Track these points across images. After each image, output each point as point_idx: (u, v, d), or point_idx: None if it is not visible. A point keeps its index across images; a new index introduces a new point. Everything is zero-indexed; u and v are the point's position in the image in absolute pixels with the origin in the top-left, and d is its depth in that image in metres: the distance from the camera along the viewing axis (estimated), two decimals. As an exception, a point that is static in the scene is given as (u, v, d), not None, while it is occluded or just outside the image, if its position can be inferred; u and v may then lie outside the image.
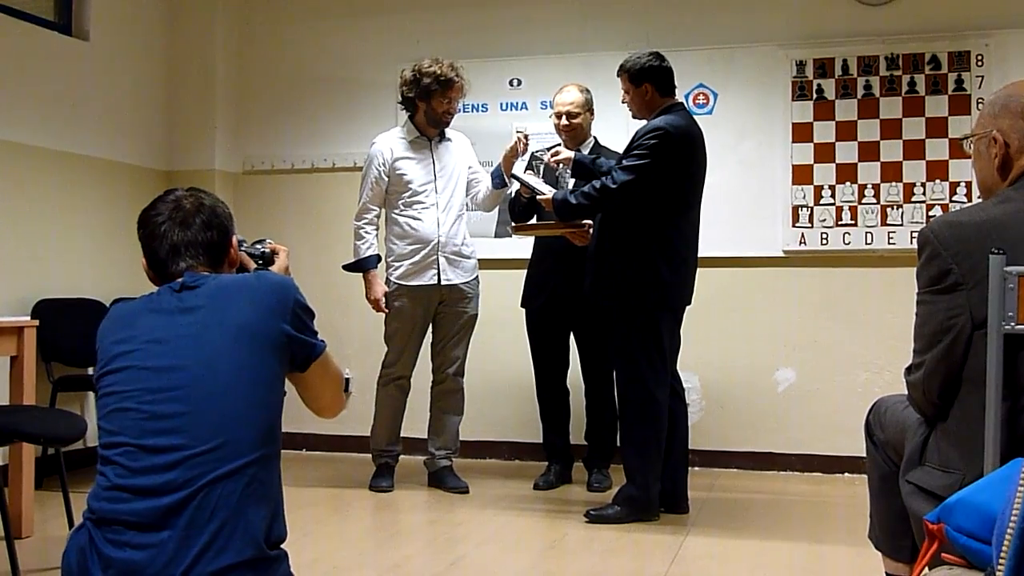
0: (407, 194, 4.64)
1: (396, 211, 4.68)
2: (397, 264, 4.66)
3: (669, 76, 4.12)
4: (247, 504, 1.77)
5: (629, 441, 4.09)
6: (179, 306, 1.91)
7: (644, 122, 4.14)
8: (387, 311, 4.67)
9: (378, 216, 4.73)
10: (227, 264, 2.08)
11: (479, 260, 4.89)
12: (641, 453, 4.02)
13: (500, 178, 4.70)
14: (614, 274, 4.03)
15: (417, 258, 4.62)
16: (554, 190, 4.27)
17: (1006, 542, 1.36)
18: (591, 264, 4.16)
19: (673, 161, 3.95)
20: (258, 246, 2.30)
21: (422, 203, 4.64)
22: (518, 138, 4.57)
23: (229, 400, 1.82)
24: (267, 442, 1.85)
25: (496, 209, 5.30)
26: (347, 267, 4.70)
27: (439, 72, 4.57)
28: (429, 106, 4.63)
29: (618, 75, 4.17)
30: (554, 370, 4.81)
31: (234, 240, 2.10)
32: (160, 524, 1.73)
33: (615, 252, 4.03)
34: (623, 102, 4.22)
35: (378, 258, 4.69)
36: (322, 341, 2.01)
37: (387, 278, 4.70)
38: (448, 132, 4.80)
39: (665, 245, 4.00)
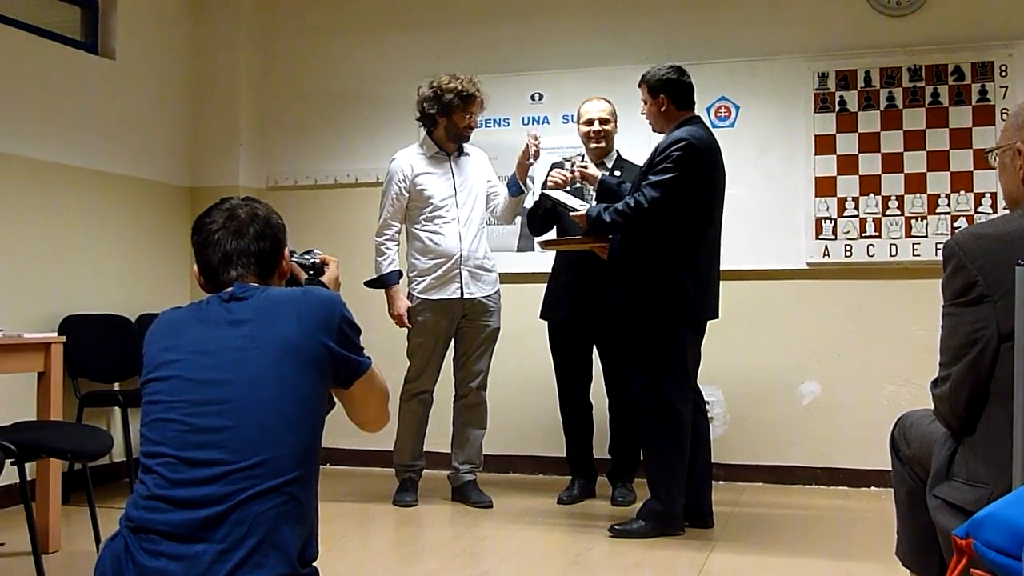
0: (428, 209, 4.66)
1: (417, 226, 4.69)
2: (420, 279, 4.67)
3: (688, 91, 4.12)
4: (284, 522, 1.78)
5: (653, 455, 4.08)
6: (227, 318, 1.92)
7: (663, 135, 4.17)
8: (410, 326, 4.68)
9: (399, 232, 4.75)
10: (277, 275, 2.08)
11: (501, 274, 4.90)
12: (665, 467, 4.01)
13: (516, 186, 4.71)
14: (638, 287, 4.03)
15: (440, 272, 4.63)
16: (586, 204, 4.26)
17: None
18: (614, 277, 4.15)
19: (698, 173, 3.95)
20: (307, 257, 2.30)
21: (443, 218, 4.66)
22: (528, 142, 4.58)
23: (271, 418, 1.82)
24: (306, 461, 1.86)
25: (518, 223, 5.31)
26: (369, 283, 4.71)
27: (461, 88, 4.59)
28: (451, 121, 4.65)
29: (639, 85, 4.18)
30: (577, 384, 4.80)
31: (286, 252, 2.11)
32: (196, 537, 1.74)
33: (638, 265, 4.03)
34: (642, 113, 4.22)
35: (399, 274, 4.71)
36: (368, 358, 2.02)
37: (409, 293, 4.71)
38: (466, 147, 4.81)
39: (688, 258, 4.00)
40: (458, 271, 4.64)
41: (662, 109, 4.08)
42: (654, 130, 4.23)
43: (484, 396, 4.81)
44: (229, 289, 1.97)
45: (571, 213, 4.26)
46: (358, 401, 2.05)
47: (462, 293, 4.65)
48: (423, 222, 4.67)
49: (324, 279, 2.29)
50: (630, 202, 3.95)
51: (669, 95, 4.07)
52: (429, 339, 4.69)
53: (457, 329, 4.75)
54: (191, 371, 1.87)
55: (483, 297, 4.72)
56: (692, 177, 3.93)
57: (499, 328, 4.81)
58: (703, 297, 4.06)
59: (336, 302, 1.98)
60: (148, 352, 1.96)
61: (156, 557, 1.74)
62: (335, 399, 2.05)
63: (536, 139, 4.59)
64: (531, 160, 4.62)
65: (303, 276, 2.25)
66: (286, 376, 1.86)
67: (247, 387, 1.84)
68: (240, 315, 1.92)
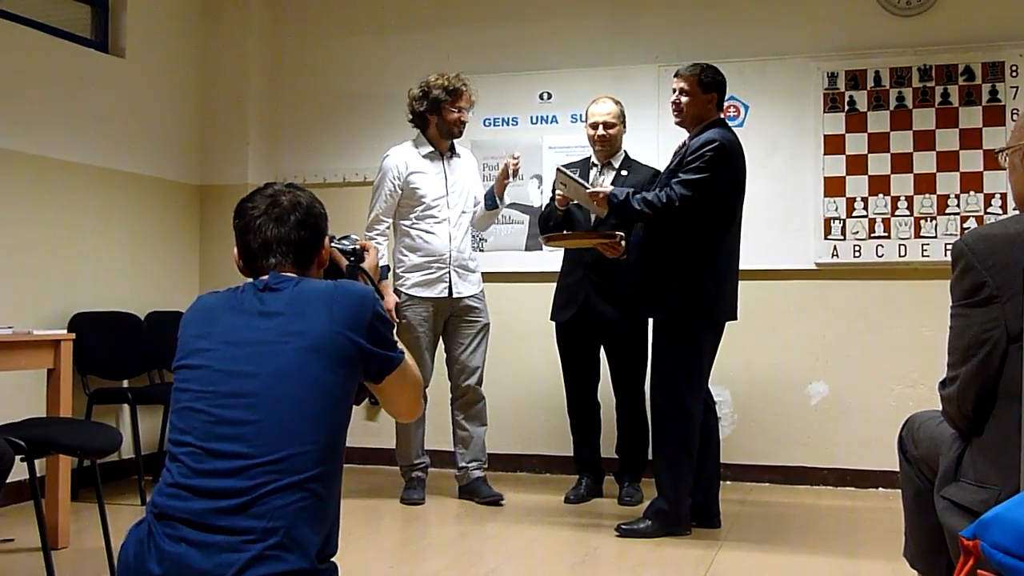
0: (420, 208, 4.70)
1: (407, 223, 4.73)
2: (408, 276, 4.70)
3: (725, 94, 4.18)
4: (303, 518, 1.79)
5: (661, 455, 4.07)
6: (260, 309, 1.93)
7: (678, 130, 4.21)
8: (398, 321, 4.69)
9: (389, 228, 4.78)
10: (316, 264, 2.08)
11: (508, 273, 4.92)
12: (673, 467, 4.01)
13: (492, 200, 4.77)
14: (659, 287, 4.02)
15: (429, 270, 4.68)
16: (608, 187, 4.16)
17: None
18: (634, 275, 4.14)
19: (728, 175, 3.98)
20: (346, 242, 2.28)
21: (435, 217, 4.70)
22: (508, 162, 4.63)
23: (296, 414, 1.83)
24: (329, 459, 1.86)
25: (527, 222, 5.33)
26: None
27: (446, 83, 4.66)
28: (441, 118, 4.70)
29: (683, 75, 4.11)
30: (584, 383, 4.80)
31: (326, 241, 2.10)
32: (216, 527, 1.76)
33: (660, 264, 4.02)
34: (675, 103, 4.13)
35: (388, 269, 4.74)
36: (400, 352, 2.02)
37: (396, 289, 4.72)
38: (458, 148, 4.87)
39: (710, 258, 4.01)
40: (447, 270, 4.69)
41: (708, 105, 4.09)
42: (681, 123, 4.17)
43: (482, 392, 4.81)
44: (264, 278, 1.98)
45: (587, 190, 4.14)
46: (390, 394, 2.06)
47: (450, 292, 4.69)
48: (414, 220, 4.71)
49: (364, 266, 2.27)
50: (661, 196, 3.93)
51: (718, 95, 4.11)
52: (419, 336, 4.68)
53: (446, 329, 4.78)
54: (221, 362, 1.89)
55: (469, 296, 4.76)
56: (722, 179, 3.95)
57: (489, 323, 4.83)
58: (723, 298, 4.06)
59: (369, 298, 1.97)
60: (183, 337, 1.98)
61: (177, 543, 1.77)
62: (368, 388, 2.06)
63: (516, 159, 4.64)
64: (509, 180, 4.67)
65: (344, 262, 2.24)
66: (312, 372, 1.86)
67: (273, 382, 1.85)
68: (272, 307, 1.92)
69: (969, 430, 2.11)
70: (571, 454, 4.92)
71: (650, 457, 4.80)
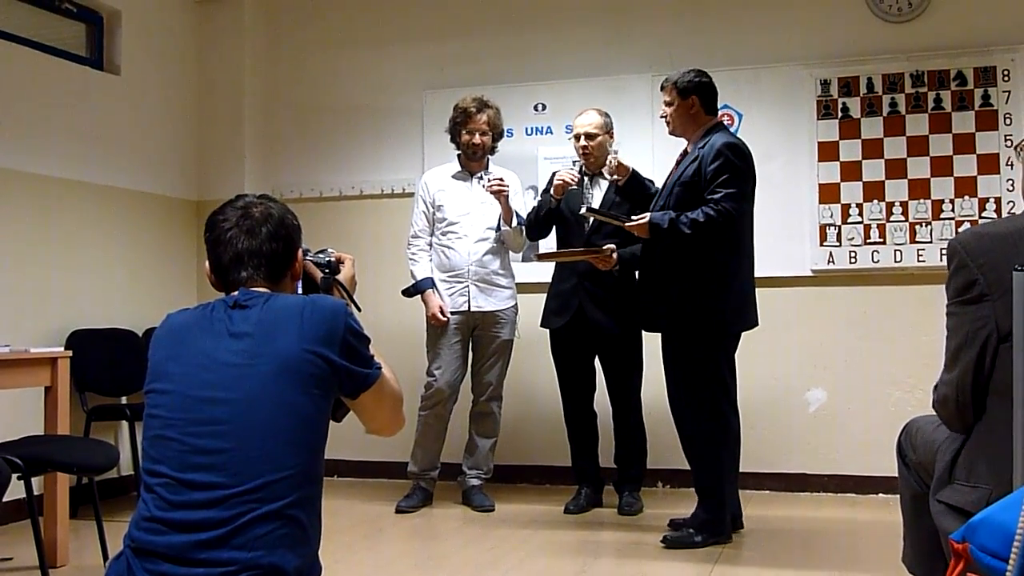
0: (443, 224, 4.86)
1: (436, 239, 4.90)
2: (439, 288, 4.84)
3: (714, 94, 4.13)
4: (284, 545, 1.75)
5: (704, 465, 4.03)
6: (229, 329, 1.87)
7: (672, 140, 4.20)
8: (444, 319, 4.76)
9: (429, 243, 4.91)
10: (290, 277, 2.03)
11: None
12: (718, 477, 4.00)
13: (496, 230, 4.87)
14: (690, 299, 3.96)
15: (450, 285, 4.82)
16: (647, 214, 4.03)
17: (1012, 554, 1.34)
18: (654, 289, 4.08)
19: (751, 175, 4.00)
20: (321, 256, 2.23)
21: (456, 233, 4.84)
22: (489, 189, 4.73)
23: (270, 440, 1.79)
24: (307, 483, 1.82)
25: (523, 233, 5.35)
26: (405, 291, 4.86)
27: (462, 105, 4.82)
28: (459, 140, 4.85)
29: (661, 89, 4.14)
30: (581, 392, 4.80)
31: (299, 253, 2.06)
32: (196, 560, 1.72)
33: (690, 277, 3.96)
34: (662, 116, 4.16)
35: (431, 281, 4.84)
36: (376, 368, 1.96)
37: None
38: (497, 168, 4.96)
39: (744, 264, 4.03)
40: (466, 284, 4.80)
41: (691, 111, 4.06)
42: (673, 133, 4.17)
43: (493, 407, 4.92)
44: (235, 294, 1.93)
45: (626, 224, 4.07)
46: (367, 409, 2.00)
47: (469, 306, 4.80)
48: (439, 236, 4.89)
49: (340, 278, 2.22)
50: (710, 212, 3.86)
51: (700, 97, 4.07)
52: (444, 349, 4.81)
53: (472, 342, 4.91)
54: (191, 387, 1.83)
55: (494, 310, 4.84)
56: (751, 184, 3.98)
57: (511, 340, 4.90)
58: (747, 305, 4.06)
59: (340, 313, 1.91)
60: (152, 358, 1.93)
61: None
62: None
63: (490, 182, 4.73)
64: (502, 201, 4.75)
65: (319, 275, 2.18)
66: (284, 396, 1.81)
67: (245, 407, 1.80)
68: (241, 327, 1.87)
69: (962, 428, 2.11)
70: (570, 465, 4.92)
71: (650, 466, 4.82)
